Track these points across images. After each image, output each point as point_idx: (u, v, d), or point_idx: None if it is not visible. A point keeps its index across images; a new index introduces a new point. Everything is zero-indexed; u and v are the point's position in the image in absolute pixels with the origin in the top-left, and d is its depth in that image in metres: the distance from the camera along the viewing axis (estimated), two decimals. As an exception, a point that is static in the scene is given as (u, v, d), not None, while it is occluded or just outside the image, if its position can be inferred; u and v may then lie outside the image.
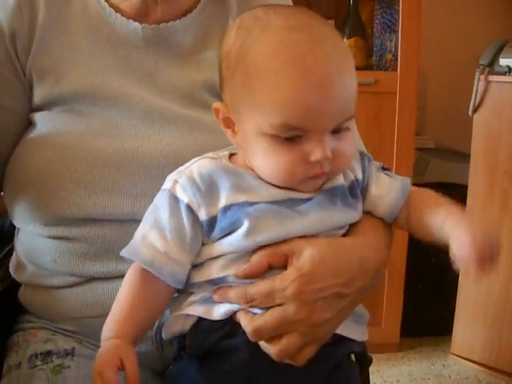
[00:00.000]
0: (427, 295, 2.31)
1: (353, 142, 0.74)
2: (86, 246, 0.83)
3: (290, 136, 0.68)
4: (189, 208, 0.71)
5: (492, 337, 2.08)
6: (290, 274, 0.68)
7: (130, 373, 0.64)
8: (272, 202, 0.71)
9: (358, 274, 0.72)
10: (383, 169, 0.81)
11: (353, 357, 0.81)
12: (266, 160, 0.70)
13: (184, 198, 0.71)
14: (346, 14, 2.11)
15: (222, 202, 0.70)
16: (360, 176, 0.78)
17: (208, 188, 0.71)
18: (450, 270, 0.71)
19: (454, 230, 0.69)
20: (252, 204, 0.70)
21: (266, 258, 0.69)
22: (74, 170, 0.82)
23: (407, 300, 2.18)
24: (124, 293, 0.72)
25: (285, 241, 0.70)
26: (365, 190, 0.78)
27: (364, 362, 0.86)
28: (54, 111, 0.87)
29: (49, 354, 0.84)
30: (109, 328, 0.70)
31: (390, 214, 0.78)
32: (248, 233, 0.69)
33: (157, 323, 0.84)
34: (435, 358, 2.24)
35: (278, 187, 0.72)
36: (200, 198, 0.70)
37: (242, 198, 0.70)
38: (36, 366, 0.82)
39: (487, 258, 0.65)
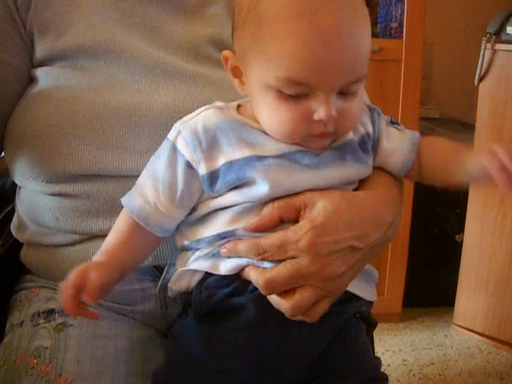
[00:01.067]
0: (430, 266, 2.31)
1: (361, 104, 0.72)
2: (89, 203, 0.81)
3: (294, 93, 0.65)
4: (188, 164, 0.70)
5: (494, 307, 2.08)
6: (303, 225, 0.67)
7: (88, 287, 0.65)
8: (280, 156, 0.69)
9: (372, 227, 0.70)
10: (392, 122, 0.80)
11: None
12: (270, 115, 0.68)
13: (185, 152, 0.70)
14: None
15: (226, 156, 0.69)
16: (371, 130, 0.76)
17: (210, 142, 0.70)
18: (453, 240, 0.70)
19: (478, 155, 0.69)
20: (259, 158, 0.69)
21: (277, 210, 0.68)
22: (76, 125, 0.80)
23: (410, 270, 2.18)
24: (118, 228, 0.74)
25: (296, 194, 0.69)
26: (376, 144, 0.77)
27: (369, 325, 0.86)
28: (56, 66, 0.85)
29: (51, 312, 0.83)
30: (98, 253, 0.72)
31: (402, 168, 0.77)
32: (257, 186, 0.68)
33: (160, 281, 0.83)
34: (437, 329, 2.24)
35: None
36: (200, 153, 0.69)
37: (247, 153, 0.69)
38: (39, 324, 0.82)
39: None
